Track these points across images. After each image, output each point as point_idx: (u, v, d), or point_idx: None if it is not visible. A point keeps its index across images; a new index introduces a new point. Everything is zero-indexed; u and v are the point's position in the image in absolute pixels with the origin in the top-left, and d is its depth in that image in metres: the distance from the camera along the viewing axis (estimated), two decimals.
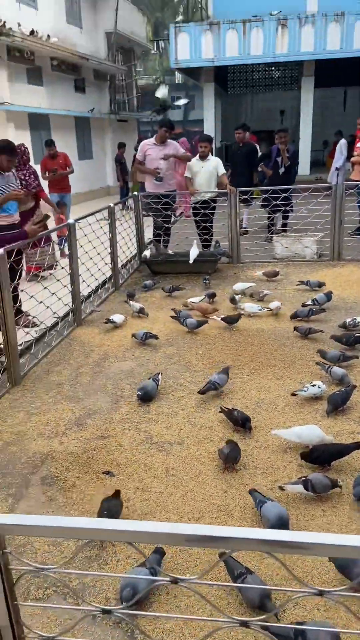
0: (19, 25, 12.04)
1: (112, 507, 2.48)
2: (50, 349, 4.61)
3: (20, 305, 4.76)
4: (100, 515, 2.43)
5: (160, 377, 3.81)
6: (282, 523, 2.29)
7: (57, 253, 7.42)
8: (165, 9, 33.26)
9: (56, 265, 6.37)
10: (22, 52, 12.45)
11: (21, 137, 11.58)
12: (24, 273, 5.63)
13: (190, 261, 6.64)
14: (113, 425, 3.39)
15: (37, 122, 13.74)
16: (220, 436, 3.22)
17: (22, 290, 4.71)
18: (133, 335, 4.70)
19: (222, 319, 4.89)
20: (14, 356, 3.94)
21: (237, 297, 5.46)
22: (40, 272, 6.10)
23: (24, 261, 5.20)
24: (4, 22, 11.34)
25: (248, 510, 2.56)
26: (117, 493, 2.58)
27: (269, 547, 1.02)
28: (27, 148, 6.71)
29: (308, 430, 2.99)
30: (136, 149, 8.33)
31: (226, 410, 3.33)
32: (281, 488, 2.62)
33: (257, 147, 9.38)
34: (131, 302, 5.52)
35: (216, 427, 3.33)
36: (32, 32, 12.37)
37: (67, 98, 15.36)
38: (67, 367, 4.31)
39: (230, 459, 2.84)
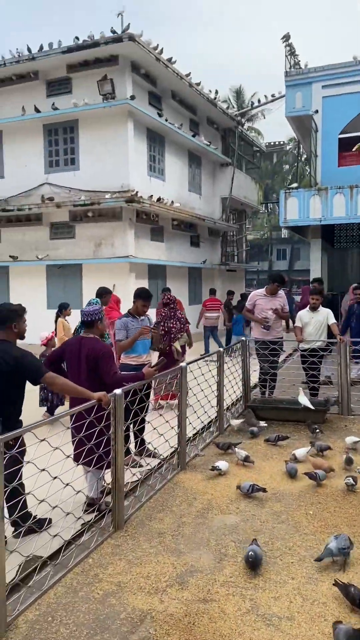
0: (150, 195, 13.97)
1: None
2: (154, 493, 4.56)
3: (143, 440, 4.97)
4: None
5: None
6: None
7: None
8: (275, 177, 36.98)
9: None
10: (149, 215, 14.24)
11: (140, 285, 12.76)
12: (150, 406, 5.90)
13: (307, 406, 6.49)
14: (216, 587, 3.16)
15: (155, 272, 15.17)
16: (335, 615, 2.85)
17: (148, 422, 4.88)
18: (238, 487, 4.52)
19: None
20: (120, 498, 3.94)
21: (352, 458, 5.08)
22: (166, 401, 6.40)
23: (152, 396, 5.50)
24: (137, 192, 13.23)
25: None
26: None
27: None
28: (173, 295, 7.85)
29: None
30: (244, 297, 8.85)
31: (341, 584, 2.98)
32: None
33: None
34: (236, 449, 5.39)
35: (331, 603, 2.97)
36: (158, 199, 14.25)
37: (183, 251, 16.95)
38: (170, 515, 4.19)
39: None
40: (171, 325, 7.48)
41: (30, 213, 14.41)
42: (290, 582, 3.20)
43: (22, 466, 3.32)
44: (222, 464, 5.01)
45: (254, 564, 3.31)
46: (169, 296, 7.98)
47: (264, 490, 4.43)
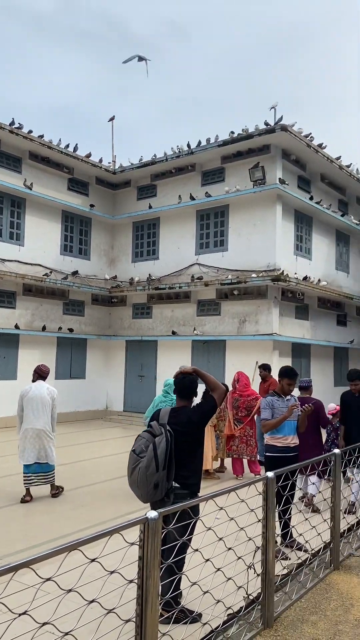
0: (295, 273, 14.03)
1: None
2: (305, 592, 4.20)
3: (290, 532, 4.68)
4: None
5: None
6: None
7: None
8: None
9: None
10: (294, 293, 14.22)
11: (283, 363, 12.54)
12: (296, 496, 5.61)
13: None
14: None
15: (299, 350, 14.86)
16: None
17: (299, 511, 4.63)
18: None
19: None
20: (270, 593, 3.69)
21: None
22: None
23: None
24: (282, 271, 13.37)
25: None
26: None
27: None
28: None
29: None
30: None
31: None
32: None
33: None
34: None
35: None
36: (305, 278, 14.22)
37: (328, 330, 16.45)
38: (324, 620, 3.81)
39: None
40: None
41: (180, 291, 15.27)
42: None
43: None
44: None
45: None
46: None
47: None
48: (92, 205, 16.45)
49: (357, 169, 16.99)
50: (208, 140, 14.83)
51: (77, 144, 15.69)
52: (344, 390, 7.49)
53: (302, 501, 6.49)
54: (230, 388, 8.98)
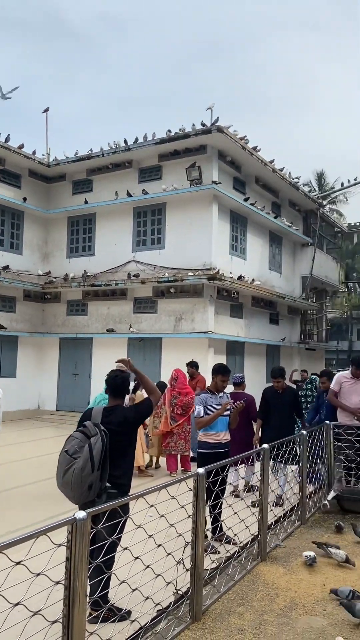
0: (230, 272, 14.31)
1: None
2: (233, 584, 4.31)
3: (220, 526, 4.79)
4: None
5: None
6: None
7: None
8: (357, 257, 36.70)
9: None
10: (230, 292, 14.50)
11: (218, 361, 12.76)
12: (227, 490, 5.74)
13: None
14: None
15: (234, 348, 15.18)
16: None
17: (229, 505, 4.71)
18: (334, 592, 4.07)
19: None
20: (199, 587, 3.76)
21: None
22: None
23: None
24: (218, 270, 13.60)
25: None
26: None
27: None
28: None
29: None
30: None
31: None
32: None
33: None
34: (332, 550, 4.94)
35: None
36: (239, 277, 14.53)
37: (262, 329, 16.91)
38: (250, 610, 3.92)
39: None
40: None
41: (116, 288, 15.16)
42: None
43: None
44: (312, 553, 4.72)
45: None
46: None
47: None
48: (24, 199, 15.97)
49: (289, 173, 17.56)
50: (145, 137, 14.81)
51: (9, 135, 15.17)
52: (267, 387, 7.70)
53: (232, 495, 6.64)
54: (169, 386, 9.06)
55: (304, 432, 6.40)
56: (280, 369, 7.37)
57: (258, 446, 6.63)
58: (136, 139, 14.97)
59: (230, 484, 6.46)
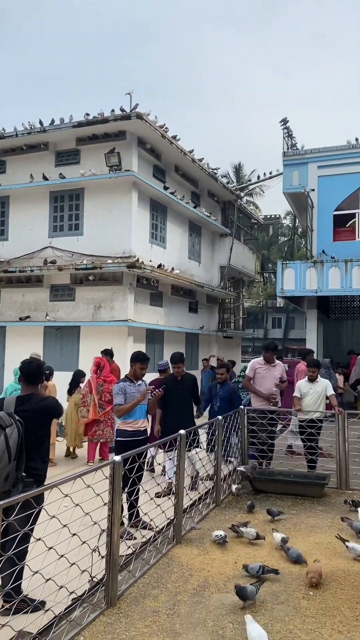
0: (150, 261, 14.32)
1: None
2: (149, 568, 4.38)
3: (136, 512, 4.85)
4: None
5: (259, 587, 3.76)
6: None
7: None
8: (272, 248, 38.17)
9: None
10: (149, 280, 14.52)
11: (138, 349, 12.79)
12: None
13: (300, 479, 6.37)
14: None
15: (153, 336, 15.26)
16: None
17: (145, 491, 4.75)
18: (245, 568, 4.23)
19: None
20: (114, 573, 3.78)
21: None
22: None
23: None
24: (138, 258, 13.57)
25: None
26: None
27: None
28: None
29: None
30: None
31: None
32: None
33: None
34: (243, 529, 5.11)
35: None
36: (159, 266, 14.59)
37: (181, 317, 17.13)
38: (165, 592, 4.01)
39: None
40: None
41: (31, 275, 14.66)
42: None
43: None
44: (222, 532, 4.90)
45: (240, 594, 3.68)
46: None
47: (276, 572, 4.21)
48: None
49: (208, 164, 17.81)
50: (62, 120, 14.37)
51: None
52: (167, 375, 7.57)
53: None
54: (92, 374, 8.99)
55: (220, 417, 6.60)
56: (180, 355, 7.05)
57: (159, 437, 6.62)
58: (52, 121, 14.50)
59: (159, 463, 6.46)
